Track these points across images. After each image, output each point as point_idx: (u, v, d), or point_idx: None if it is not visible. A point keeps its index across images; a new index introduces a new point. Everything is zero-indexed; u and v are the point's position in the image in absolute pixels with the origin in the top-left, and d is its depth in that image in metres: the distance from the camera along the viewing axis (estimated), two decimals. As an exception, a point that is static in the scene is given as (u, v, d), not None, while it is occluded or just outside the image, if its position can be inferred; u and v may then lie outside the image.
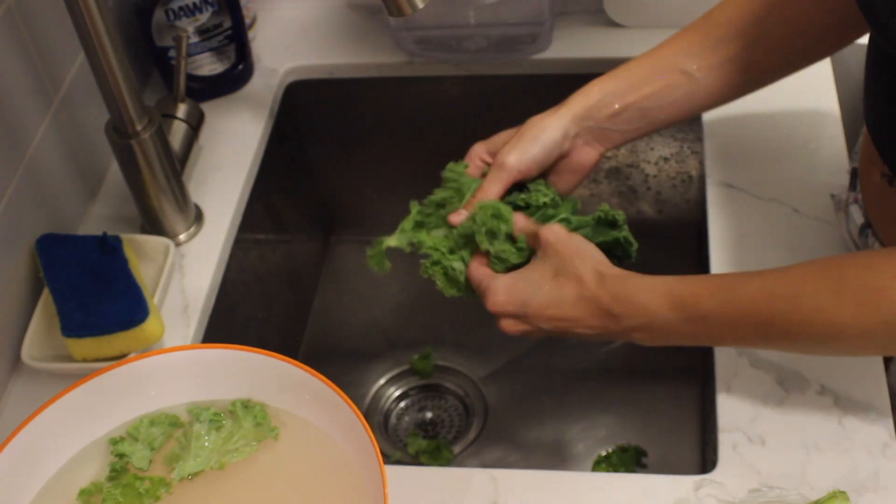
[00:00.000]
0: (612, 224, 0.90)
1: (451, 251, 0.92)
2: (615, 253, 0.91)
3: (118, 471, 0.78)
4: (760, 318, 0.77)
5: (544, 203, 0.91)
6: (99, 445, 0.80)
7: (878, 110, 0.85)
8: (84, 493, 0.78)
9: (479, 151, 0.96)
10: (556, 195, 0.93)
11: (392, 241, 0.94)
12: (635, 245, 0.91)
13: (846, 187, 0.99)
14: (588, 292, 0.84)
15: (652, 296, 0.82)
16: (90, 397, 0.79)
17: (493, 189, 0.92)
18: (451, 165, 0.95)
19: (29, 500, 0.77)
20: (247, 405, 0.80)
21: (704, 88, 0.92)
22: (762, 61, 0.92)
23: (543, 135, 0.92)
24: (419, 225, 0.95)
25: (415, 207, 0.95)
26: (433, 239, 0.93)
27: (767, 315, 0.77)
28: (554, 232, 0.88)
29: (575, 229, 0.90)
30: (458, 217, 0.92)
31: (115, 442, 0.79)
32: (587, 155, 0.95)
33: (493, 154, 0.94)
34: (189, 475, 0.78)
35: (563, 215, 0.92)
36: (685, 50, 0.92)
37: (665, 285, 0.82)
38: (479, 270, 0.90)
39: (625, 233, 0.90)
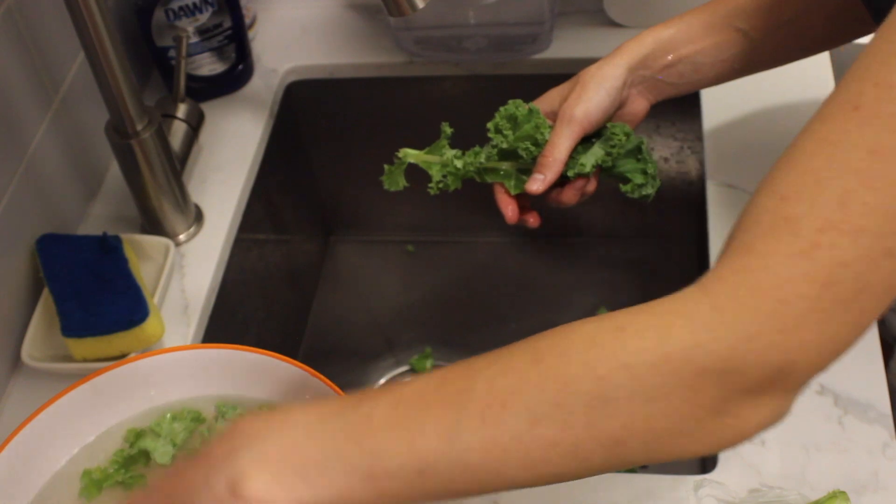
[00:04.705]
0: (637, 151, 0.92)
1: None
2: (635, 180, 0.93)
3: (128, 458, 0.78)
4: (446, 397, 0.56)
5: (620, 142, 0.91)
6: (113, 434, 0.80)
7: None
8: (89, 475, 0.78)
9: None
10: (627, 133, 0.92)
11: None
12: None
13: None
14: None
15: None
16: (90, 397, 0.79)
17: (563, 144, 0.89)
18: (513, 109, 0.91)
19: (32, 496, 0.77)
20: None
21: (757, 50, 0.90)
22: (817, 27, 0.89)
23: (606, 83, 0.89)
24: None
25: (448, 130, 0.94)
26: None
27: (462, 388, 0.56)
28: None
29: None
30: (535, 185, 0.89)
31: (137, 437, 0.79)
32: (640, 105, 0.93)
33: (549, 113, 0.91)
34: None
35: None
36: (741, 9, 0.89)
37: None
38: None
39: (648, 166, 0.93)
